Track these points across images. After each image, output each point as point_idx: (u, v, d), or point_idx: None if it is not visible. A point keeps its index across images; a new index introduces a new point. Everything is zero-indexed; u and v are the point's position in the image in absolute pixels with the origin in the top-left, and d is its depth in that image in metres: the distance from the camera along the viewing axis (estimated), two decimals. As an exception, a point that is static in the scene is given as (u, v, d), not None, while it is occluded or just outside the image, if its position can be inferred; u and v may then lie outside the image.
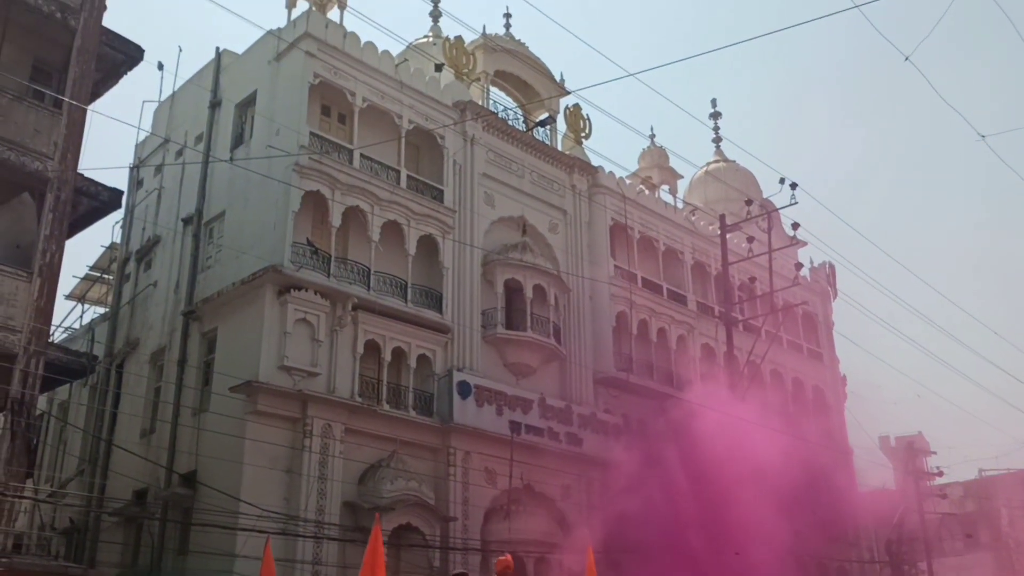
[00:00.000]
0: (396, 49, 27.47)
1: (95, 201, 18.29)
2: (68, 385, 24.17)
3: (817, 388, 36.67)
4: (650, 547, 24.31)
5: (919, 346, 42.41)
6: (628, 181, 32.98)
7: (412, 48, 28.49)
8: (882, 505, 31.28)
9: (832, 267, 38.89)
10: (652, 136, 37.86)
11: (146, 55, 19.04)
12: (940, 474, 36.72)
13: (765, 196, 31.18)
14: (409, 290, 24.87)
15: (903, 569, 33.50)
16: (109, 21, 18.22)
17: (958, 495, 39.00)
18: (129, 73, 19.33)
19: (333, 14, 25.91)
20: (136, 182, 29.07)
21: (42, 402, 20.07)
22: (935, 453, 37.01)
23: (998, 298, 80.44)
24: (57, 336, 25.62)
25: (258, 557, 18.85)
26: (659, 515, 24.89)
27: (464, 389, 24.79)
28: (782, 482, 23.32)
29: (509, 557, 14.33)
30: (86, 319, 30.15)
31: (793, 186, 26.65)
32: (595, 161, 31.23)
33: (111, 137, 30.80)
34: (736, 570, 22.31)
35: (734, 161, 40.65)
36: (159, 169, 28.18)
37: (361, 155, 24.66)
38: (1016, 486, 42.85)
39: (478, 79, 29.03)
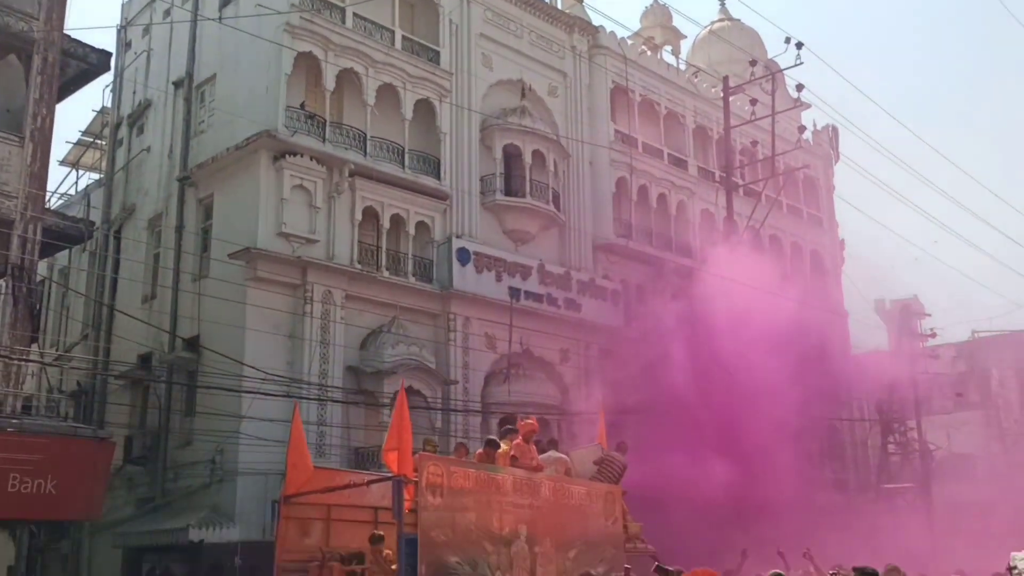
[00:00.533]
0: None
1: (83, 63, 17.86)
2: (67, 251, 24.17)
3: (815, 253, 36.72)
4: (653, 409, 24.84)
5: (919, 208, 42.28)
6: (630, 42, 32.09)
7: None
8: (875, 366, 31.79)
9: (835, 130, 38.34)
10: (655, -7, 36.61)
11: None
12: (933, 336, 37.18)
13: (770, 57, 30.42)
14: (406, 156, 24.53)
15: (892, 427, 34.38)
16: None
17: (950, 356, 39.59)
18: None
19: None
20: (124, 44, 28.25)
21: (42, 268, 20.08)
22: (929, 315, 37.40)
23: (998, 161, 79.74)
24: (53, 202, 25.42)
25: (263, 418, 19.43)
26: (661, 378, 25.37)
27: (463, 256, 24.80)
28: (780, 344, 23.62)
29: (534, 420, 14.57)
30: (81, 185, 29.89)
31: (799, 46, 25.97)
32: (596, 20, 30.36)
33: (96, -4, 29.74)
34: (738, 429, 22.82)
35: (739, 20, 39.47)
36: (147, 30, 27.36)
37: (354, 14, 23.87)
38: (1008, 347, 43.51)
39: (475, -67, 27.79)
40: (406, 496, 11.09)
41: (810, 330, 25.98)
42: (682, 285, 30.10)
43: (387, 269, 23.71)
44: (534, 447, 13.68)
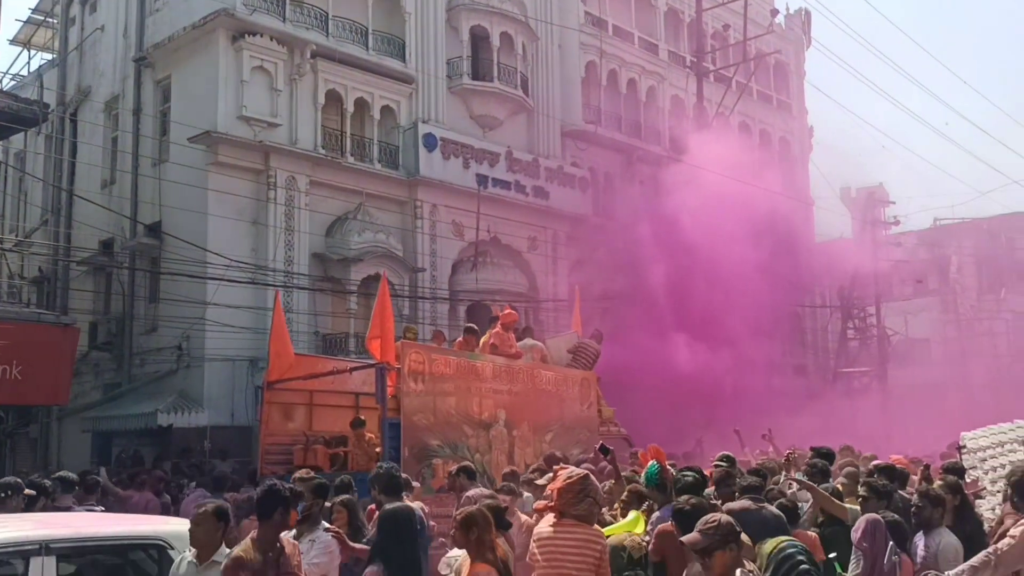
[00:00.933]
0: None
1: (27, -65, 16.87)
2: (22, 135, 23.49)
3: (784, 140, 36.54)
4: (622, 296, 25.01)
5: (888, 96, 42.00)
6: (601, -82, 30.92)
7: None
8: (838, 254, 32.08)
9: (808, 14, 37.64)
10: None
11: None
12: (896, 223, 37.53)
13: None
14: (370, 37, 23.77)
15: (852, 313, 34.94)
16: None
17: (912, 244, 39.99)
18: None
19: None
20: (72, -86, 26.78)
21: (-4, 152, 19.50)
22: (894, 203, 37.61)
23: (969, 48, 79.12)
24: (5, 84, 24.55)
25: (228, 305, 19.30)
26: (630, 265, 25.44)
27: (430, 142, 24.34)
28: (747, 231, 23.70)
29: (512, 310, 14.84)
30: (33, 66, 28.76)
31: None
32: None
33: None
34: (705, 314, 23.04)
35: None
36: (95, -101, 25.89)
37: None
38: (968, 234, 44.07)
39: None
40: (388, 382, 11.41)
41: (777, 218, 26.05)
42: (651, 172, 29.94)
43: (352, 155, 23.25)
44: (513, 336, 13.99)
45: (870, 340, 34.48)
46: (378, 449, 11.45)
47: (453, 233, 24.78)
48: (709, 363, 22.37)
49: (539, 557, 4.02)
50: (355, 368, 13.33)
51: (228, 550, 5.37)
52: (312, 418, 13.07)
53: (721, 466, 7.61)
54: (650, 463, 6.57)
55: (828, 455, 8.66)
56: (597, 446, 10.03)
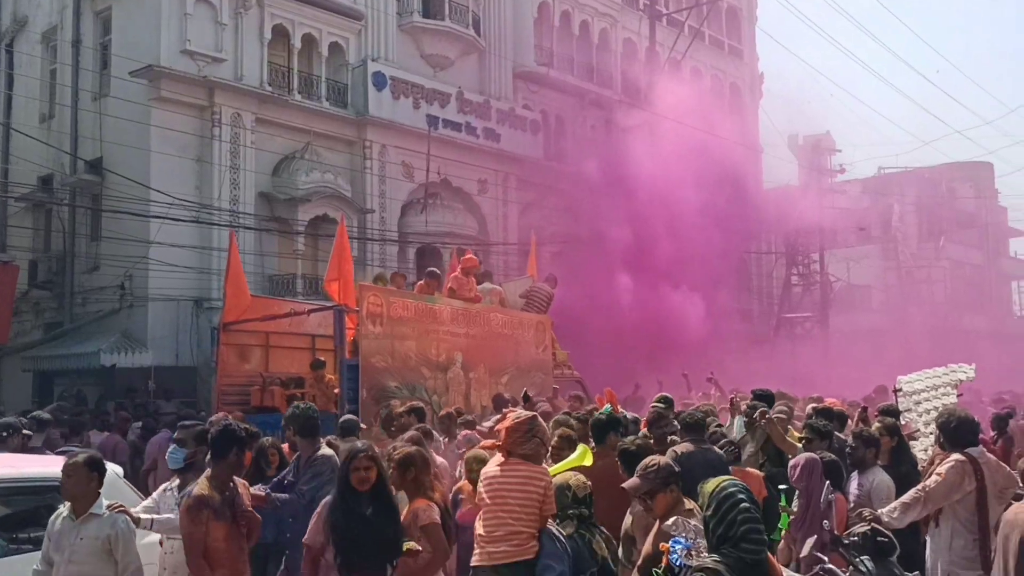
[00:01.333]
0: None
1: None
2: (-47, 66, 22.62)
3: (735, 86, 36.55)
4: (574, 240, 25.05)
5: (837, 44, 42.17)
6: None
7: None
8: (784, 201, 32.39)
9: (762, -41, 37.44)
10: None
11: None
12: (842, 171, 37.96)
13: None
14: (319, -30, 23.16)
15: (797, 260, 35.44)
16: None
17: (856, 192, 40.52)
18: None
19: None
20: None
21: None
22: (840, 151, 37.99)
23: (917, 1, 79.60)
24: (-66, 11, 23.52)
25: (172, 244, 18.97)
26: (581, 209, 25.42)
27: (379, 80, 23.90)
28: (697, 177, 23.77)
29: (473, 256, 14.95)
30: (-35, -7, 27.52)
31: None
32: None
33: None
34: (654, 259, 23.16)
35: None
36: None
37: None
38: (910, 183, 44.77)
39: None
40: (348, 325, 11.59)
41: (726, 164, 26.16)
42: (604, 116, 29.83)
43: (299, 92, 22.76)
44: (473, 280, 14.12)
45: (813, 286, 35.04)
46: (336, 391, 11.54)
47: (403, 174, 24.50)
48: (658, 307, 22.58)
49: (485, 496, 4.04)
50: (313, 310, 13.39)
51: (107, 502, 5.24)
52: (268, 359, 13.12)
53: (658, 407, 7.71)
54: (605, 406, 6.67)
55: (767, 397, 8.80)
56: (522, 394, 10.17)
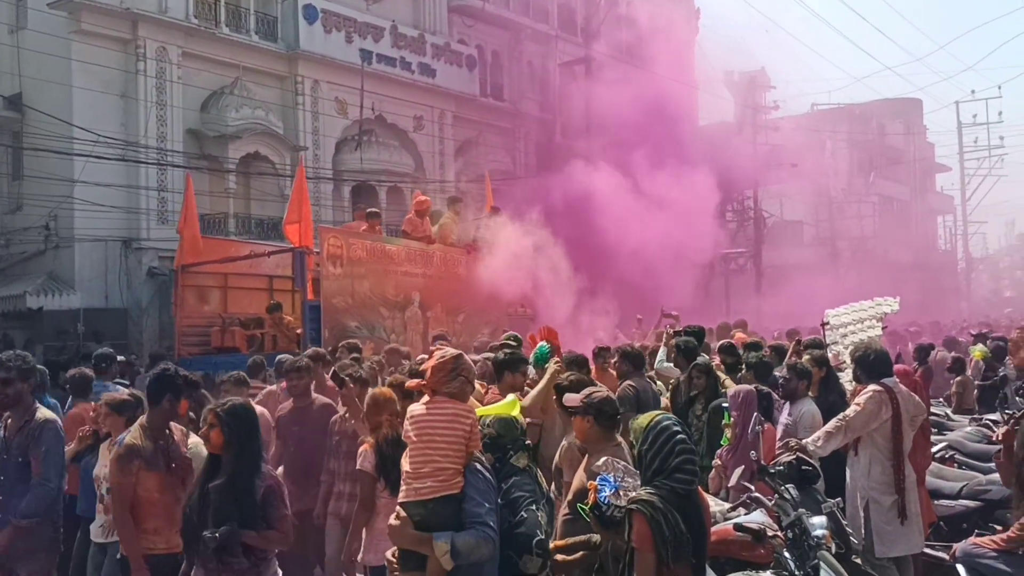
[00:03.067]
0: None
1: None
2: None
3: (671, 21, 36.37)
4: (512, 177, 24.97)
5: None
6: None
7: None
8: (719, 139, 32.58)
9: None
10: None
11: None
12: (776, 108, 38.23)
13: None
14: (245, -103, 22.30)
15: (731, 196, 35.81)
16: None
17: (790, 128, 40.92)
18: None
19: None
20: None
21: None
22: (774, 88, 38.24)
23: (855, -66, 79.61)
24: None
25: (98, 183, 18.41)
26: (518, 146, 25.31)
27: (310, 13, 23.25)
28: (635, 112, 23.76)
29: (425, 197, 15.09)
30: None
31: None
32: None
33: None
34: (594, 195, 23.18)
35: None
36: None
37: None
38: (843, 120, 45.30)
39: None
40: (307, 266, 12.00)
41: (663, 100, 26.16)
42: (540, 52, 29.53)
43: (227, 25, 22.05)
44: (428, 221, 14.35)
45: (747, 223, 35.51)
46: (299, 331, 11.85)
47: (336, 111, 24.05)
48: (595, 244, 22.66)
49: (412, 434, 4.04)
50: (274, 252, 13.83)
51: None
52: (227, 300, 13.51)
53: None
54: (539, 344, 6.63)
55: (697, 333, 8.93)
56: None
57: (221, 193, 21.35)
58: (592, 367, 8.40)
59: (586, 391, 4.77)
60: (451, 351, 4.30)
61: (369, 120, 24.32)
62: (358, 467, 5.49)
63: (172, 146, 20.42)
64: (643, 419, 3.96)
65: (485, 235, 15.14)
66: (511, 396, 4.53)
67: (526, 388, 6.28)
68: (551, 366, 6.13)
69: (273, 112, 22.45)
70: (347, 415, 6.64)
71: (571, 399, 4.72)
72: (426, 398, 4.16)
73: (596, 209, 23.31)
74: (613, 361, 8.44)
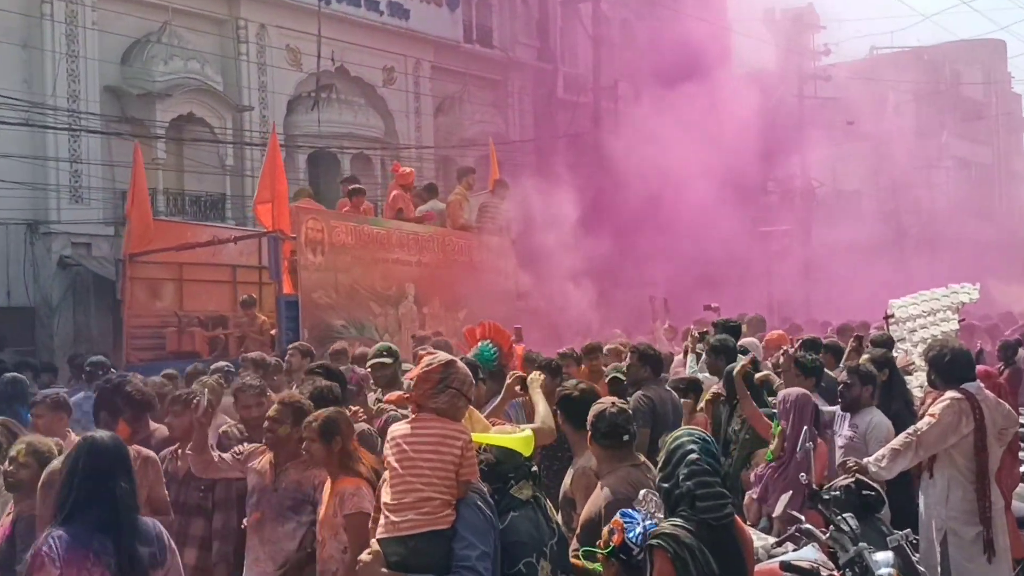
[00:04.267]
0: None
1: None
2: None
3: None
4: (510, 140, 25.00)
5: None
6: None
7: None
8: (757, 91, 32.62)
9: None
10: None
11: None
12: (827, 52, 38.21)
13: None
14: None
15: (772, 161, 35.86)
16: None
17: (844, 77, 40.95)
18: None
19: None
20: None
21: None
22: (824, 28, 38.22)
23: None
24: None
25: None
26: (519, 99, 25.31)
27: (254, -59, 23.29)
28: (657, 61, 23.79)
29: (409, 169, 15.38)
30: None
31: None
32: None
33: None
34: (618, 159, 23.23)
35: None
36: None
37: None
38: (909, 66, 45.33)
39: None
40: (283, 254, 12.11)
41: (690, 47, 26.20)
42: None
43: (152, -43, 22.07)
44: (411, 199, 14.57)
45: (792, 194, 35.54)
46: (273, 332, 12.12)
47: (288, 62, 24.08)
48: (617, 222, 22.69)
49: (393, 459, 4.04)
50: (241, 237, 14.01)
51: None
52: (183, 296, 13.68)
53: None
54: (480, 343, 6.48)
55: (733, 328, 8.94)
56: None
57: (148, 165, 21.27)
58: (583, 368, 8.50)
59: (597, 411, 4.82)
60: (441, 357, 4.28)
61: (328, 73, 24.32)
62: (353, 510, 5.08)
63: (87, 107, 20.40)
64: (669, 437, 4.01)
65: (491, 216, 15.40)
66: (526, 431, 4.51)
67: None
68: (512, 378, 5.96)
69: (211, 64, 22.47)
70: (179, 451, 6.42)
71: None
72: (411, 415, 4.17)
73: (617, 177, 23.35)
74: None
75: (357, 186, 14.76)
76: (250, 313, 12.58)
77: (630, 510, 4.08)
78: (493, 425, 5.02)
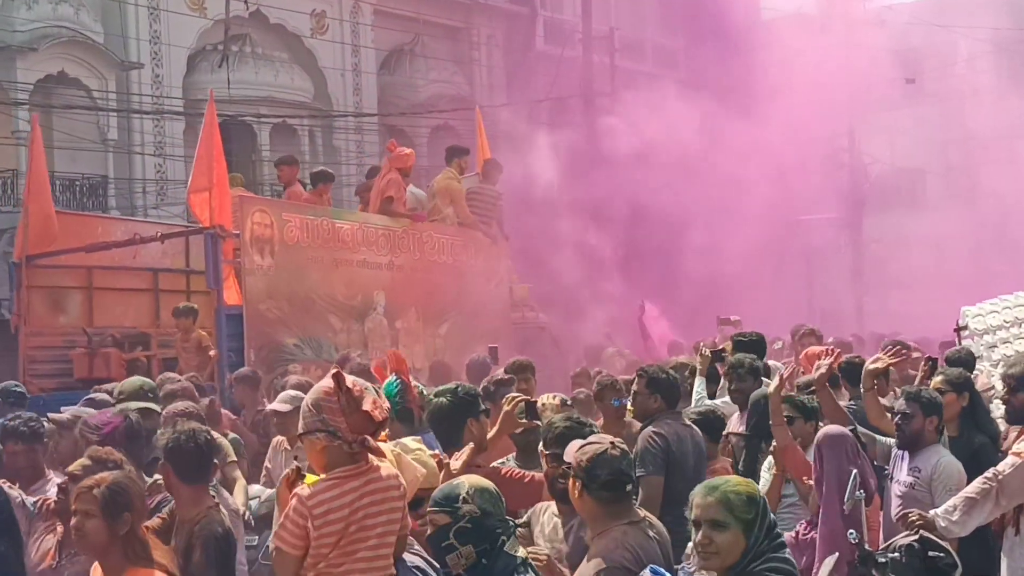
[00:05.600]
0: None
1: None
2: None
3: None
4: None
5: None
6: None
7: None
8: (792, 40, 32.80)
9: None
10: None
11: None
12: (881, -7, 38.43)
13: None
14: None
15: (814, 129, 36.09)
16: None
17: (902, 23, 41.12)
18: None
19: None
20: None
21: None
22: (877, -39, 38.43)
23: None
24: None
25: None
26: (490, 53, 25.25)
27: None
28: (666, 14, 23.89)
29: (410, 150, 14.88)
30: None
31: None
32: None
33: None
34: (619, 134, 23.34)
35: None
36: None
37: None
38: (985, 8, 45.48)
39: None
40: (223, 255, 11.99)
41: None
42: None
43: None
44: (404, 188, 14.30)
45: (839, 172, 35.70)
46: (212, 352, 11.94)
47: (189, 5, 24.08)
48: (620, 206, 22.80)
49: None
50: (169, 235, 13.73)
51: None
52: (93, 308, 13.44)
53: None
54: (387, 379, 6.48)
55: (756, 343, 8.96)
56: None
57: (6, 139, 21.26)
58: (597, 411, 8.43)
59: (578, 444, 4.79)
60: (325, 384, 4.41)
61: (241, 20, 24.29)
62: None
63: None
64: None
65: (483, 206, 15.36)
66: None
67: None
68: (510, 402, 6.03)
69: (88, 9, 22.46)
70: None
71: (570, 451, 4.73)
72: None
73: (610, 152, 23.43)
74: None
75: (322, 169, 14.91)
76: (185, 324, 12.41)
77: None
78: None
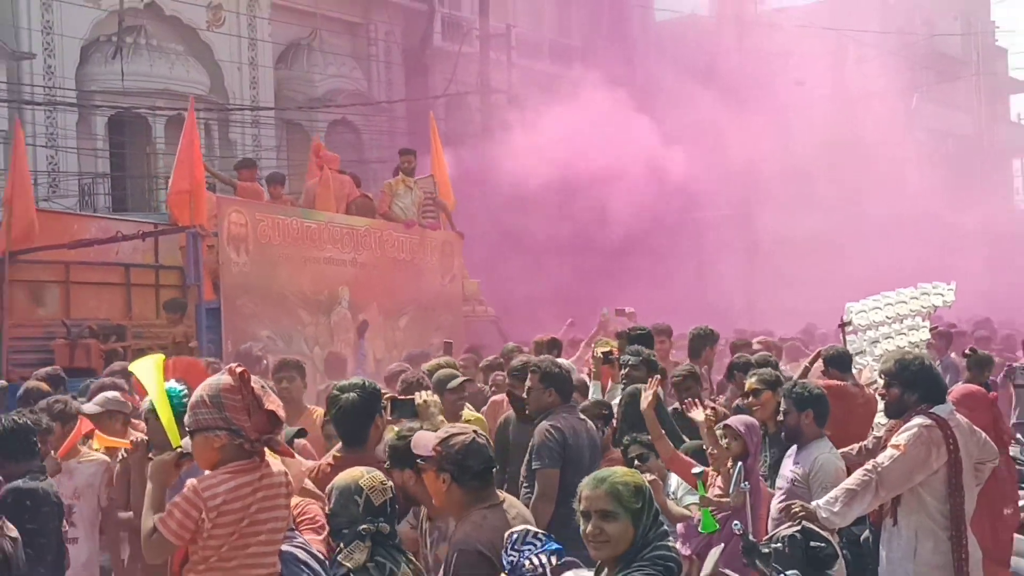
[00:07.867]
0: None
1: None
2: None
3: None
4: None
5: None
6: None
7: None
8: (687, 38, 33.04)
9: None
10: None
11: None
12: (772, -5, 38.86)
13: None
14: None
15: (705, 129, 36.31)
16: None
17: (795, 25, 41.52)
18: None
19: None
20: None
21: None
22: (771, -36, 38.86)
23: None
24: None
25: None
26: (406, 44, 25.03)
27: None
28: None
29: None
30: None
31: None
32: None
33: None
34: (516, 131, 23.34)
35: None
36: None
37: None
38: (872, 14, 46.19)
39: None
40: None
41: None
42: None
43: None
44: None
45: (730, 171, 35.97)
46: (192, 344, 12.65)
47: (84, -6, 23.73)
48: (493, 206, 22.84)
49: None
50: (150, 234, 14.38)
51: None
52: (69, 301, 14.05)
53: None
54: (169, 385, 6.42)
55: (643, 337, 9.05)
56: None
57: None
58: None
59: (432, 437, 4.86)
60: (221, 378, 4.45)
61: (135, 11, 24.03)
62: None
63: None
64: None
65: (438, 205, 16.52)
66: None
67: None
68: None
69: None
70: None
71: (421, 444, 4.83)
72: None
73: (503, 148, 23.47)
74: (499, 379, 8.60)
75: (274, 172, 16.04)
76: (173, 319, 13.18)
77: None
78: None
